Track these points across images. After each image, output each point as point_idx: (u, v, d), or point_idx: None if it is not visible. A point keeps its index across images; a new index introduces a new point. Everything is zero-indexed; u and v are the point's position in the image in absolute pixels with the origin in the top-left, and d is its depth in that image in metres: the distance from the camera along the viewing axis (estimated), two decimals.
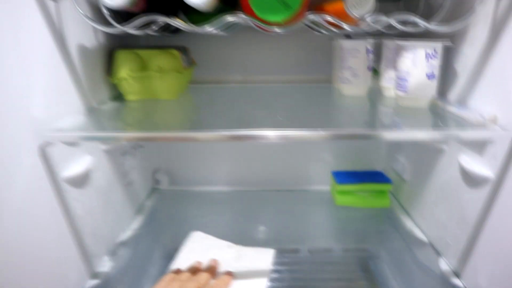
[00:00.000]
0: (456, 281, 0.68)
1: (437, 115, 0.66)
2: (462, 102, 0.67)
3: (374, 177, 0.99)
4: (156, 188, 1.09)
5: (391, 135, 0.55)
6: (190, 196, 1.06)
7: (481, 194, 0.62)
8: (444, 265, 0.73)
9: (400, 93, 0.69)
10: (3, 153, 0.49)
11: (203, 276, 0.68)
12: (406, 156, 0.93)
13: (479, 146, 0.62)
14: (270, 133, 0.53)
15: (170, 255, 0.81)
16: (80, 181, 0.65)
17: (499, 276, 0.59)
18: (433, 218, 0.79)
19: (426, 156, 0.81)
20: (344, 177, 0.98)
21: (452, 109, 0.65)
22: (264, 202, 1.04)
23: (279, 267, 0.94)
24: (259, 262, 0.77)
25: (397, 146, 0.99)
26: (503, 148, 0.56)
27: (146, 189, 1.05)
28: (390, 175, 1.01)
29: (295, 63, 0.99)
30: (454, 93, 0.70)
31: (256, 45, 0.98)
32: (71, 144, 0.63)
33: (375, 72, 0.86)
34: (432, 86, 0.66)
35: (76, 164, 0.64)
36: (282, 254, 1.00)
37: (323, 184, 1.09)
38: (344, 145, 1.08)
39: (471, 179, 0.64)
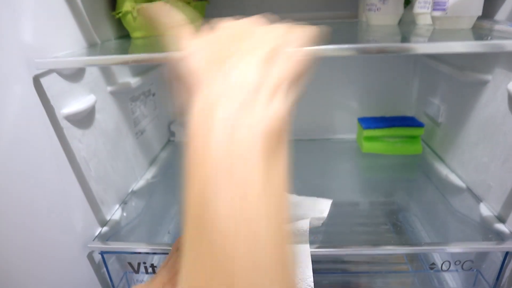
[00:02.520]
0: (500, 226, 0.61)
1: (483, 35, 0.57)
2: None
3: (405, 121, 0.91)
4: (172, 140, 1.04)
5: (425, 47, 0.47)
6: None
7: None
8: (486, 210, 0.65)
9: (438, 14, 0.59)
10: None
11: None
12: (441, 97, 0.85)
13: None
14: None
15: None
16: (83, 119, 0.60)
17: None
18: (472, 161, 0.71)
19: (466, 92, 0.73)
20: (372, 122, 0.90)
21: (502, 27, 0.56)
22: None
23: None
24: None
25: (431, 87, 0.90)
26: None
27: (161, 141, 1.01)
28: (423, 121, 0.93)
29: None
30: (503, 12, 0.61)
31: None
32: (69, 77, 0.57)
33: (407, 2, 0.76)
34: (478, 1, 0.57)
35: (77, 102, 0.59)
36: None
37: (348, 133, 1.01)
38: (371, 90, 1.00)
39: None
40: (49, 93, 0.53)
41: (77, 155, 0.59)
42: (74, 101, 0.59)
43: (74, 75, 0.59)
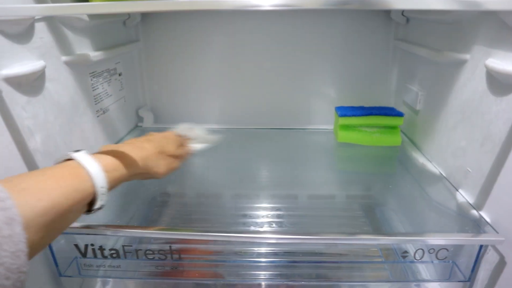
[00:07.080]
0: (476, 214, 0.57)
1: None
2: None
3: (383, 110, 0.86)
4: (140, 126, 0.99)
5: (404, 3, 0.43)
6: None
7: None
8: (462, 198, 0.61)
9: None
10: None
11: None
12: (419, 83, 0.81)
13: None
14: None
15: (155, 199, 0.72)
16: (27, 85, 0.55)
17: None
18: (450, 147, 0.68)
19: (444, 74, 0.69)
20: (349, 110, 0.86)
21: None
22: (259, 141, 0.93)
23: (276, 212, 0.84)
24: None
25: (409, 74, 0.87)
26: None
27: (128, 125, 0.96)
28: (402, 111, 0.89)
29: None
30: None
31: None
32: (13, 36, 0.52)
33: None
34: None
35: (22, 65, 0.54)
36: (279, 200, 0.89)
37: (326, 123, 0.98)
38: (349, 79, 0.96)
39: (501, 85, 0.52)
40: None
41: (19, 124, 0.53)
42: (17, 63, 0.53)
43: (20, 35, 0.54)
